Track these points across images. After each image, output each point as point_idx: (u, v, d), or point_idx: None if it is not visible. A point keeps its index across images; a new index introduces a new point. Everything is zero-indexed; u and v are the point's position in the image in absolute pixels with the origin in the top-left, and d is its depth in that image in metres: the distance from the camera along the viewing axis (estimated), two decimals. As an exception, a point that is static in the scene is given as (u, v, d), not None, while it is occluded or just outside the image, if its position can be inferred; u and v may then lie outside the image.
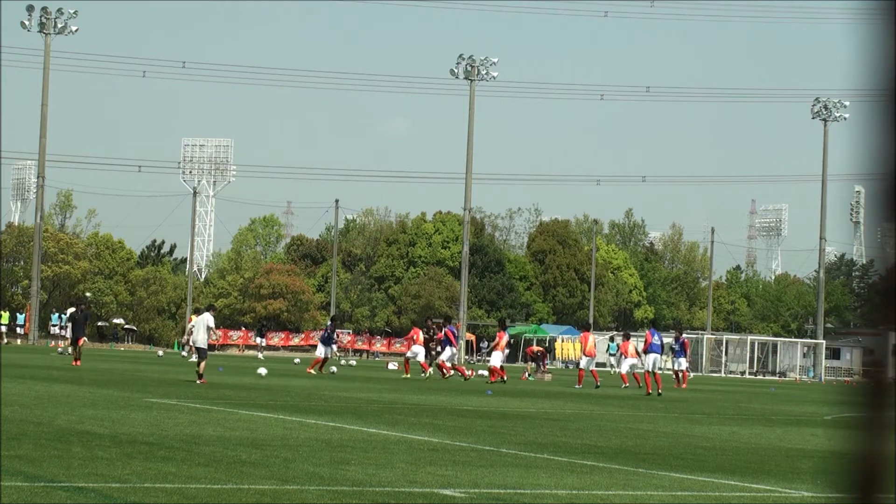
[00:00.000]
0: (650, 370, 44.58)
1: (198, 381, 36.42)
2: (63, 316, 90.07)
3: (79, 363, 46.95)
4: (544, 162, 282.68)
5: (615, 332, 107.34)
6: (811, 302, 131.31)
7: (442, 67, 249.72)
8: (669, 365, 59.94)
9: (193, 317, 74.59)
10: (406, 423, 23.26)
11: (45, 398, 25.57)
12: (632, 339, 51.34)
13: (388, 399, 32.33)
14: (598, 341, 52.12)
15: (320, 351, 51.53)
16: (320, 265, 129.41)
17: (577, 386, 47.88)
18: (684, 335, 57.20)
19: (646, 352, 45.73)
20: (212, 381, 38.44)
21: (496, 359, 49.93)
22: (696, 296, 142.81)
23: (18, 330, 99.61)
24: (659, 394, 43.38)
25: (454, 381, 47.65)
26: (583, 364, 49.87)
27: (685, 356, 55.93)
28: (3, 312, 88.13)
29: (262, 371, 45.16)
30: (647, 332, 50.02)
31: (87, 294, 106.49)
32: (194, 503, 11.25)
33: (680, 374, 54.51)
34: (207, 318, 38.25)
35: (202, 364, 37.39)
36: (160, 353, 78.37)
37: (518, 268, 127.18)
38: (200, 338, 37.92)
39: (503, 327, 52.74)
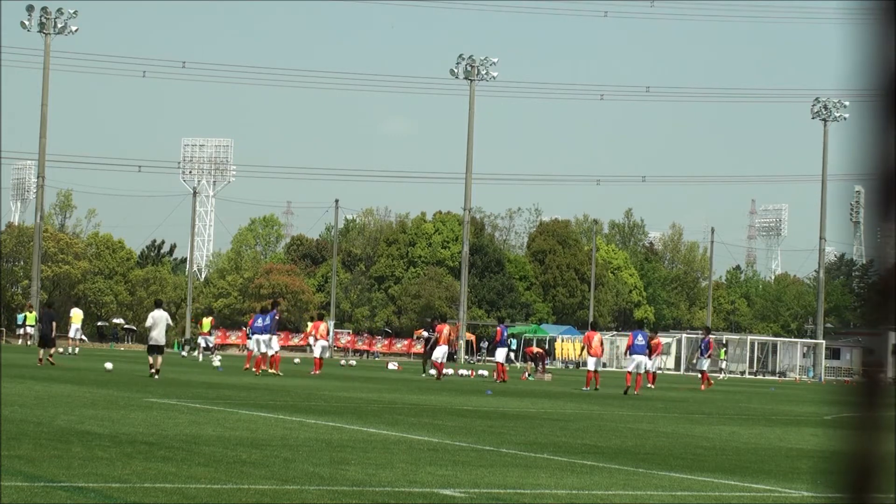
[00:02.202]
0: (631, 371, 44.53)
1: (155, 377, 37.61)
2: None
3: (45, 363, 45.70)
4: (544, 162, 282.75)
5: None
6: (811, 302, 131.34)
7: (442, 67, 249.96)
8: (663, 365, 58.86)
9: (204, 319, 74.66)
10: (406, 423, 23.25)
11: (45, 398, 25.57)
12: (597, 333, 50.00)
13: (388, 399, 32.33)
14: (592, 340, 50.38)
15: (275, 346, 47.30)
16: (320, 265, 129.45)
17: (584, 388, 45.63)
18: (710, 336, 57.94)
19: (628, 353, 45.74)
20: (212, 382, 38.47)
21: (438, 353, 49.82)
22: (696, 296, 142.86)
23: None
24: (635, 393, 43.34)
25: (459, 382, 47.64)
26: (590, 365, 47.02)
27: (707, 356, 56.24)
28: (27, 314, 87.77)
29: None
30: (629, 334, 48.57)
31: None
32: (194, 503, 11.25)
33: (701, 375, 55.05)
34: (166, 316, 39.31)
35: (159, 359, 38.62)
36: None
37: (518, 268, 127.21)
38: (160, 335, 38.81)
39: (442, 319, 53.06)
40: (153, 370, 38.31)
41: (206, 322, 73.97)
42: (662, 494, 13.66)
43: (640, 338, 45.57)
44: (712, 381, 54.96)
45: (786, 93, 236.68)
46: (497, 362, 51.05)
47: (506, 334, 51.90)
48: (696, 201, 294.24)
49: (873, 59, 2.54)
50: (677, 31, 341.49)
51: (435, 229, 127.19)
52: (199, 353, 70.36)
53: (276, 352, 47.63)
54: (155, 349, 38.81)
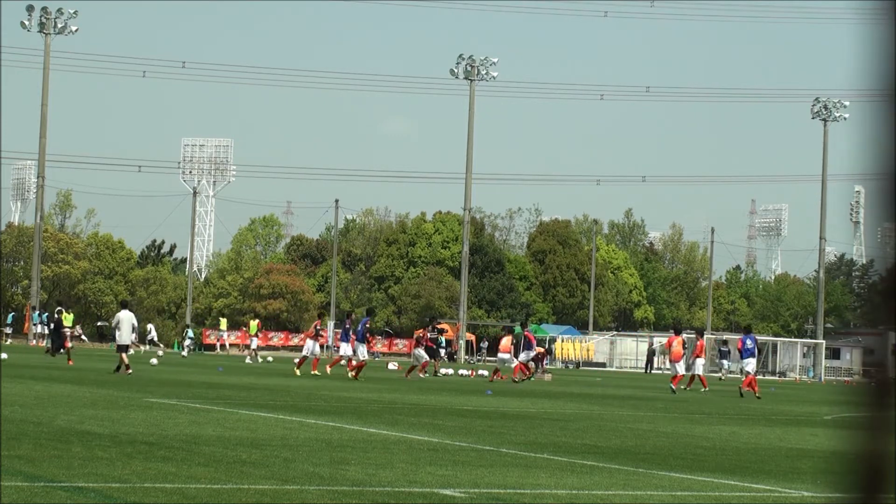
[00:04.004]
0: (750, 372, 47.69)
1: (128, 372, 39.30)
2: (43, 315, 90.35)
3: (70, 362, 47.91)
4: (544, 162, 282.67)
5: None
6: (811, 302, 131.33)
7: (442, 67, 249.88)
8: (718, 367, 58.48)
9: (251, 322, 75.39)
10: (406, 423, 23.25)
11: (45, 398, 25.56)
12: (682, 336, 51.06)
13: (388, 399, 32.33)
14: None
15: (357, 351, 45.95)
16: (320, 265, 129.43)
17: (703, 389, 47.89)
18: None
19: (742, 356, 48.88)
20: (212, 382, 38.49)
21: (524, 357, 50.95)
22: (696, 296, 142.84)
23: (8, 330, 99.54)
24: (747, 395, 45.96)
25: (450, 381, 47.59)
26: (680, 370, 48.23)
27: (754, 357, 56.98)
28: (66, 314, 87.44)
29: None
30: (739, 338, 51.19)
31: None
32: (194, 503, 11.24)
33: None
34: (131, 317, 40.65)
35: (124, 356, 40.14)
36: (160, 352, 78.45)
37: (518, 268, 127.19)
38: (126, 336, 40.23)
39: (511, 332, 53.65)
40: (127, 367, 39.79)
41: (254, 325, 75.62)
42: (662, 494, 13.66)
43: (748, 342, 48.21)
44: (756, 387, 55.71)
45: (786, 93, 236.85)
46: (520, 362, 51.44)
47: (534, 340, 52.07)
48: (696, 201, 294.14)
49: (874, 60, 2.54)
50: (677, 31, 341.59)
51: (435, 229, 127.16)
52: (248, 357, 72.28)
53: (345, 357, 47.22)
54: (121, 348, 40.37)
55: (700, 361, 50.76)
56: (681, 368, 47.97)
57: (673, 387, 46.92)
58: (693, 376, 50.26)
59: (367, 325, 46.50)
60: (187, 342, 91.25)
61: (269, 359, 73.00)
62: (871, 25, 2.53)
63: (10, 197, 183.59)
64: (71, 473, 12.70)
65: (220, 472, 13.48)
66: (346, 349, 47.14)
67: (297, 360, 50.67)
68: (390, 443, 18.48)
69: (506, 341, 52.44)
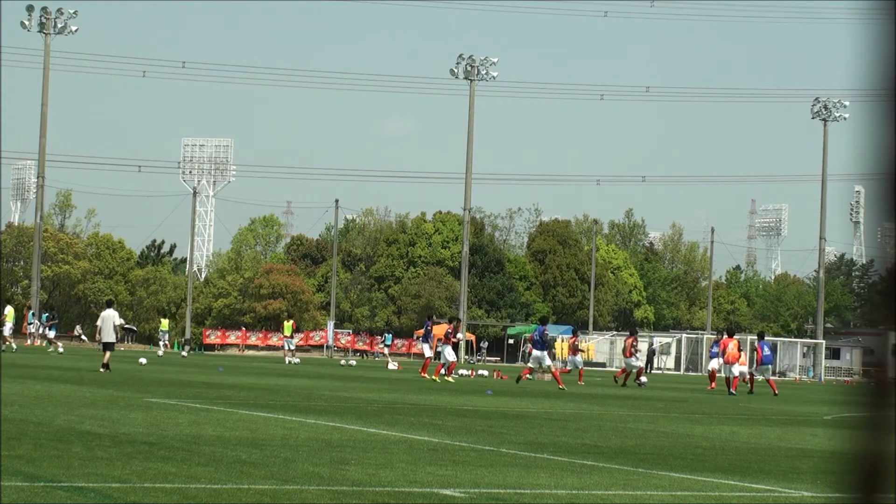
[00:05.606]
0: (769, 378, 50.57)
1: (101, 370, 40.02)
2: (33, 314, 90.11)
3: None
4: (544, 162, 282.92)
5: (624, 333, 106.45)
6: (811, 302, 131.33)
7: (442, 67, 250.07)
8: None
9: (286, 323, 75.25)
10: (406, 423, 23.25)
11: (45, 398, 25.56)
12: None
13: (388, 399, 32.32)
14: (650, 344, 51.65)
15: (542, 361, 46.33)
16: (320, 265, 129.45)
17: (731, 392, 47.94)
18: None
19: (760, 363, 50.40)
20: (212, 382, 38.49)
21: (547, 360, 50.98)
22: (696, 296, 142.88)
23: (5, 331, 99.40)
24: (774, 394, 48.65)
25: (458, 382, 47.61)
26: (736, 371, 49.23)
27: (771, 363, 57.30)
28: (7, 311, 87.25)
29: None
30: (757, 345, 52.14)
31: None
32: (194, 503, 11.24)
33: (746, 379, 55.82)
34: (114, 315, 41.70)
35: (108, 355, 40.98)
36: (160, 353, 78.46)
37: (518, 268, 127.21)
38: (107, 334, 41.10)
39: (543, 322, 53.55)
40: (104, 365, 40.50)
41: (288, 325, 75.80)
42: (662, 494, 13.66)
43: (766, 349, 50.27)
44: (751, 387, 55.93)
45: (786, 93, 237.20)
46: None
47: (549, 335, 51.83)
48: (696, 201, 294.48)
49: (874, 60, 2.54)
50: (677, 31, 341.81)
51: (435, 229, 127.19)
52: (285, 358, 72.30)
53: (550, 366, 47.07)
54: (105, 346, 41.13)
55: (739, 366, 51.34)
56: (737, 370, 48.83)
57: (732, 390, 47.79)
58: (729, 377, 50.70)
59: (545, 333, 47.09)
60: (162, 335, 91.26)
61: (296, 360, 73.12)
62: (871, 25, 2.53)
63: (10, 197, 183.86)
64: (71, 473, 12.70)
65: (220, 472, 13.48)
66: (428, 351, 49.21)
67: (437, 367, 49.27)
68: (390, 443, 18.47)
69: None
